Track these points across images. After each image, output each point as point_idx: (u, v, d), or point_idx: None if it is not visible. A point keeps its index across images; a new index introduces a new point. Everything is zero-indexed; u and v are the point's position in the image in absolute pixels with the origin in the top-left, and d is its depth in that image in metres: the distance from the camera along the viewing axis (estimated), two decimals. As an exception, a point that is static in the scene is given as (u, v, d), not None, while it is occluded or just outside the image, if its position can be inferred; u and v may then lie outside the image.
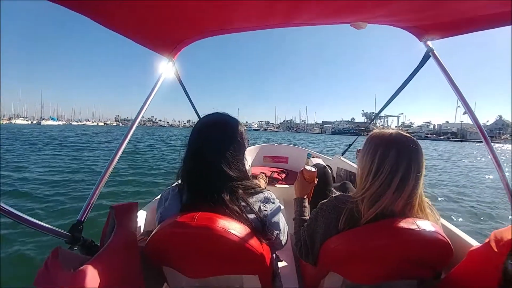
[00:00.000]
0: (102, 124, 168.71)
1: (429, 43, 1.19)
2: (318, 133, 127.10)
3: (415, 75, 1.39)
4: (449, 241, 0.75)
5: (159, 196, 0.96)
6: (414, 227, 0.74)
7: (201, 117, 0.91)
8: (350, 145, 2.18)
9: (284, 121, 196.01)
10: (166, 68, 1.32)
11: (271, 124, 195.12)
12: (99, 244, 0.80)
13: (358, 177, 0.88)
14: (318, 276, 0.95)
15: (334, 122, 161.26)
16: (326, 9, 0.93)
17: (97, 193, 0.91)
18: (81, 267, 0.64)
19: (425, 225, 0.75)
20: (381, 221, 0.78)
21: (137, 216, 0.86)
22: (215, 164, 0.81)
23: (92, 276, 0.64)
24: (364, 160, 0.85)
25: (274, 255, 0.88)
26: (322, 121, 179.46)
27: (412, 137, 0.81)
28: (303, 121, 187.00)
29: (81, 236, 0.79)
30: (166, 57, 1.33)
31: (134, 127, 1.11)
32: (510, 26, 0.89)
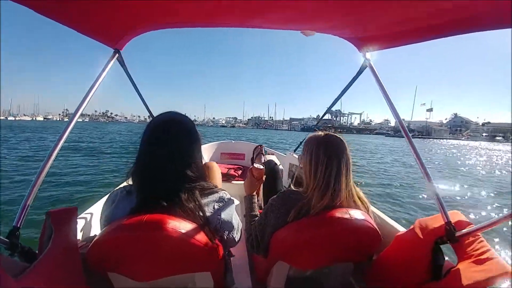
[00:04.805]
0: (42, 118, 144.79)
1: (367, 55, 1.25)
2: (288, 129, 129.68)
3: (352, 84, 1.47)
4: (376, 227, 0.86)
5: (104, 198, 0.91)
6: (346, 216, 0.82)
7: (154, 116, 0.88)
8: (301, 142, 2.32)
9: (252, 117, 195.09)
10: (111, 59, 1.21)
11: (239, 121, 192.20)
12: (37, 251, 0.76)
13: (303, 176, 0.96)
14: (268, 266, 1.01)
15: (302, 119, 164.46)
16: (276, 17, 0.98)
17: (33, 195, 0.84)
18: (22, 275, 0.61)
19: (356, 214, 0.84)
20: (321, 213, 0.85)
21: (76, 222, 0.82)
22: (174, 164, 0.79)
23: (33, 285, 0.62)
24: (303, 161, 0.95)
25: (226, 251, 0.90)
26: (290, 118, 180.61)
27: (339, 136, 0.92)
28: (271, 117, 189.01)
29: (19, 243, 0.74)
30: (111, 47, 1.23)
31: (73, 122, 1.03)
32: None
